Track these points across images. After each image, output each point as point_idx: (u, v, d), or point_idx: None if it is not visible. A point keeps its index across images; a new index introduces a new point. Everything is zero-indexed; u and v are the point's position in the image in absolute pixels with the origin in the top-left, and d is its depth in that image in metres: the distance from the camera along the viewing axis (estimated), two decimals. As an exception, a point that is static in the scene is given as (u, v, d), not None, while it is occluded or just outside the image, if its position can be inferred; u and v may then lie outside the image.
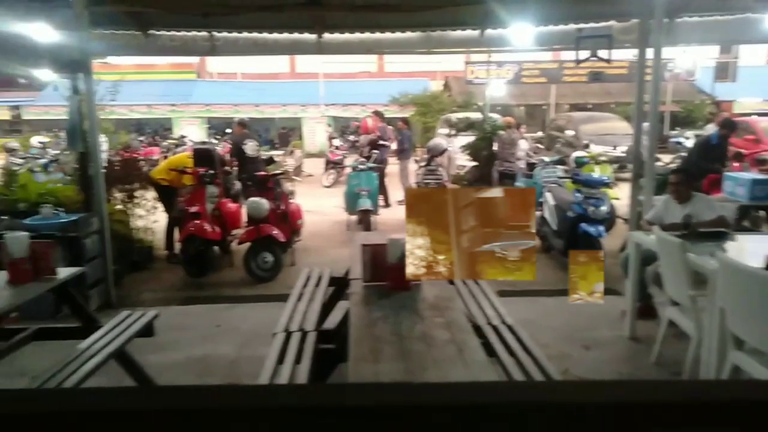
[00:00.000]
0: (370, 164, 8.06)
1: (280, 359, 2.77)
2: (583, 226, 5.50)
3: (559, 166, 8.01)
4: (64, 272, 3.24)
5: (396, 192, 10.17)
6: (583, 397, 0.65)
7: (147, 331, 3.32)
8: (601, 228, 5.48)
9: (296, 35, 5.44)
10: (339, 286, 4.26)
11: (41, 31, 4.07)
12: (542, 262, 6.43)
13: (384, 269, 2.87)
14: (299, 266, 6.31)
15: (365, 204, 7.61)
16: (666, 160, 8.47)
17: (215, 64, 26.66)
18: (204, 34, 5.43)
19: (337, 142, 14.28)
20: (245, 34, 5.46)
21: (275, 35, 5.45)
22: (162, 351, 3.86)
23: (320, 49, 5.46)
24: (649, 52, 4.58)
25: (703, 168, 6.40)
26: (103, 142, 6.81)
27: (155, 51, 5.98)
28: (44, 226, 4.46)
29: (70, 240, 4.46)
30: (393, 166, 10.96)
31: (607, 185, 5.97)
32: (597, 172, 7.64)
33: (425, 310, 2.52)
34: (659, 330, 3.64)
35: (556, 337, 4.01)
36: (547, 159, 8.14)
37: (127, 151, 6.86)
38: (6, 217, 4.84)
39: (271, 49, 5.61)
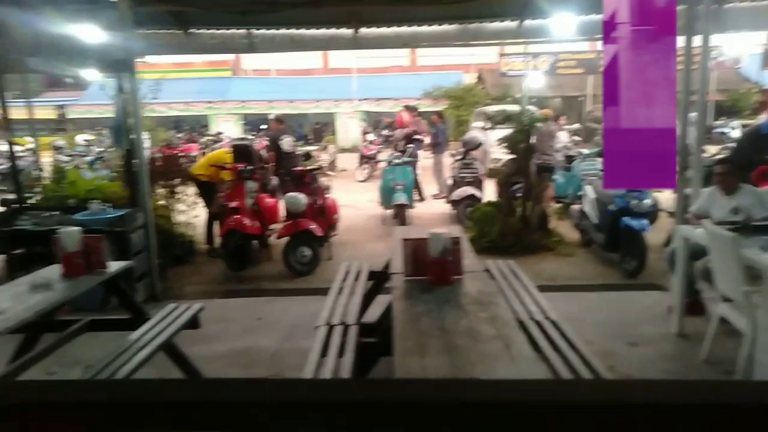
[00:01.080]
0: (405, 158, 8.03)
1: (323, 352, 2.80)
2: (626, 219, 5.36)
3: (598, 159, 7.82)
4: (113, 266, 3.35)
5: (430, 186, 10.14)
6: (635, 397, 0.63)
7: (193, 323, 3.40)
8: (645, 222, 5.34)
9: (332, 31, 5.46)
10: (378, 280, 4.27)
11: (89, 32, 4.20)
12: (582, 257, 6.33)
13: (426, 263, 2.86)
14: (336, 260, 6.36)
15: (401, 198, 7.61)
16: (712, 151, 8.17)
17: (250, 61, 26.99)
18: (242, 31, 5.51)
19: (370, 136, 14.30)
20: (282, 31, 5.51)
21: (312, 31, 5.48)
22: (206, 343, 3.95)
23: (356, 44, 5.47)
24: (696, 40, 4.41)
25: (752, 159, 6.14)
26: (146, 140, 7.00)
27: (195, 49, 6.10)
28: (93, 221, 4.61)
29: (117, 234, 4.60)
30: (426, 160, 10.93)
31: (650, 178, 5.79)
32: (639, 165, 7.44)
33: (469, 305, 2.51)
34: (709, 327, 3.52)
35: (599, 333, 3.92)
36: (586, 151, 7.97)
37: (169, 148, 7.01)
38: (57, 213, 5.04)
39: (308, 45, 5.65)
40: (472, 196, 7.67)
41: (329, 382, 1.20)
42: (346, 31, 5.44)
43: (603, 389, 0.70)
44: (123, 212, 4.81)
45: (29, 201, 5.47)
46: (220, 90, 24.07)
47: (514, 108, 6.74)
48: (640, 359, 3.62)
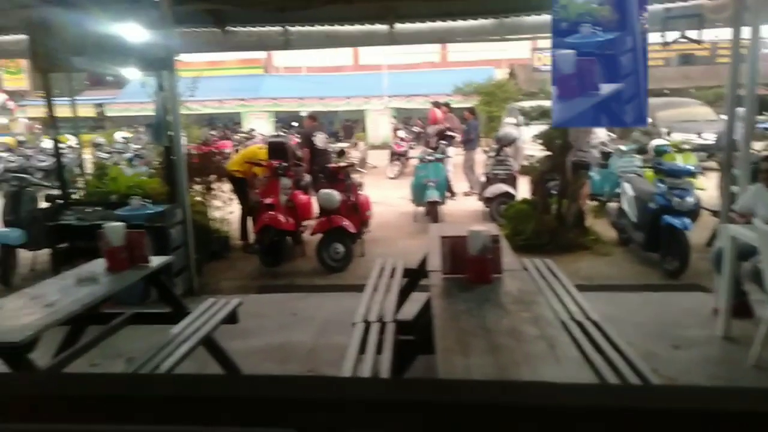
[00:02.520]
0: (438, 155, 7.98)
1: (361, 349, 2.80)
2: (667, 218, 5.21)
3: (636, 155, 7.64)
4: (155, 261, 3.41)
5: (461, 183, 10.05)
6: (686, 403, 0.60)
7: (231, 318, 3.44)
8: (687, 220, 5.17)
9: (368, 26, 5.45)
10: (413, 277, 4.26)
11: (131, 31, 4.29)
12: (620, 256, 6.18)
13: (464, 261, 2.83)
14: (369, 257, 6.37)
15: (433, 195, 7.57)
16: (757, 147, 7.88)
17: (281, 58, 27.25)
18: (278, 28, 5.55)
19: (401, 133, 14.26)
20: (318, 27, 5.53)
21: (347, 27, 5.48)
22: (243, 338, 4.00)
23: (392, 39, 5.44)
24: (745, 31, 4.25)
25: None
26: (182, 137, 7.13)
27: (232, 47, 6.17)
28: (133, 216, 4.71)
29: (156, 230, 4.69)
30: (458, 156, 10.83)
31: (693, 175, 5.62)
32: (680, 161, 7.22)
33: (510, 304, 2.47)
34: (758, 330, 3.39)
35: (640, 334, 3.82)
36: (624, 147, 7.77)
37: (205, 145, 7.13)
38: (99, 208, 5.18)
39: (343, 42, 5.66)
40: (506, 194, 7.58)
41: (390, 381, 1.19)
42: (381, 27, 5.42)
43: (654, 395, 0.68)
44: (162, 208, 4.90)
45: (72, 197, 5.63)
46: (253, 88, 24.38)
47: (550, 103, 6.59)
48: (684, 362, 3.51)
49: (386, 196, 10.13)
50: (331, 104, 23.60)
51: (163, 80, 4.71)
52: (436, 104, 12.14)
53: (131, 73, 5.20)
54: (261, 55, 25.60)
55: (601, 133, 8.95)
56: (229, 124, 22.76)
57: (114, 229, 3.22)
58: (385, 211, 8.85)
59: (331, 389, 0.67)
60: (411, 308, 3.90)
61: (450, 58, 27.13)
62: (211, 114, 23.64)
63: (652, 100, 16.11)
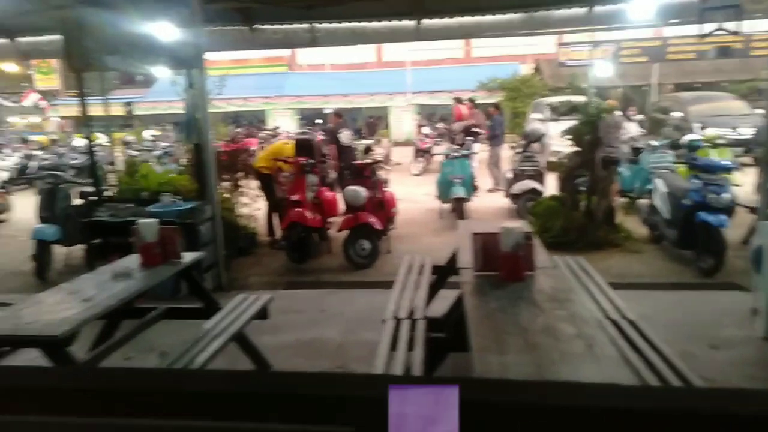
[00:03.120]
0: (464, 151, 7.92)
1: (392, 346, 2.79)
2: (702, 215, 5.08)
3: (668, 151, 7.46)
4: (187, 257, 3.46)
5: (485, 179, 9.96)
6: (732, 407, 0.57)
7: (262, 314, 3.47)
8: (723, 217, 5.03)
9: (395, 23, 5.42)
10: (441, 274, 4.24)
11: (162, 30, 4.34)
12: (651, 253, 6.05)
13: (496, 258, 2.80)
14: (394, 254, 6.36)
15: (459, 192, 7.52)
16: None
17: (305, 56, 27.38)
18: (305, 25, 5.56)
19: (426, 130, 14.20)
20: (344, 24, 5.52)
21: (374, 24, 5.46)
22: (273, 333, 4.03)
23: (419, 35, 5.40)
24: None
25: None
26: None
27: (260, 45, 6.21)
28: (164, 213, 4.78)
29: (187, 226, 4.74)
30: (482, 153, 10.73)
31: (729, 170, 5.46)
32: (714, 156, 7.04)
33: (544, 302, 2.43)
34: (801, 331, 3.28)
35: (676, 334, 3.72)
36: (655, 143, 7.60)
37: (233, 142, 7.20)
38: (131, 205, 5.27)
39: (370, 38, 5.64)
40: (533, 190, 7.48)
41: (443, 379, 1.17)
42: (408, 23, 5.39)
43: (699, 398, 0.65)
44: (192, 205, 4.97)
45: (105, 194, 5.74)
46: (277, 85, 24.56)
47: (579, 98, 6.48)
48: (723, 363, 3.41)
49: (411, 192, 10.10)
50: (355, 101, 23.63)
51: (192, 78, 4.76)
52: (458, 100, 12.05)
53: (161, 72, 5.26)
54: (285, 52, 25.74)
55: (632, 128, 8.78)
56: (254, 121, 22.96)
57: (148, 225, 3.27)
58: (410, 207, 8.82)
59: (384, 387, 0.66)
60: (439, 305, 3.89)
61: (474, 53, 26.90)
62: (237, 112, 23.88)
63: (684, 95, 15.84)
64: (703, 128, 9.22)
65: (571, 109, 6.17)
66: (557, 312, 2.31)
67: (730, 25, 4.66)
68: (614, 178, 6.58)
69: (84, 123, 5.67)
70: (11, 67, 23.07)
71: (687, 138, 7.39)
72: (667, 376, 2.27)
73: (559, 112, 6.30)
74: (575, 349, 1.95)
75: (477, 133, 8.45)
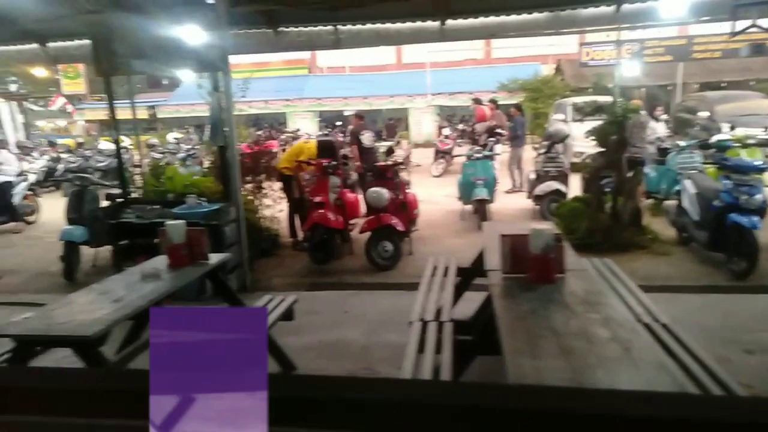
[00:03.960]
0: (486, 152, 7.86)
1: (420, 348, 2.77)
2: (734, 216, 4.95)
3: (696, 151, 7.30)
4: (214, 258, 3.48)
5: (504, 181, 9.86)
6: None
7: (288, 315, 3.47)
8: (756, 219, 4.90)
9: (419, 23, 5.39)
10: (465, 276, 4.20)
11: (189, 33, 4.39)
12: (680, 256, 5.93)
13: (526, 260, 2.76)
14: (417, 256, 6.33)
15: (481, 193, 7.46)
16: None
17: (325, 59, 27.52)
18: (329, 27, 5.57)
19: (446, 131, 14.14)
20: (368, 26, 5.52)
21: (398, 25, 5.44)
22: (297, 334, 4.03)
23: (443, 36, 5.36)
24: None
25: None
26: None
27: (283, 47, 6.24)
28: (190, 214, 4.82)
29: (212, 228, 4.78)
30: (502, 154, 10.62)
31: (762, 171, 5.32)
32: (744, 157, 6.87)
33: (577, 305, 2.38)
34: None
35: (709, 338, 3.63)
36: (683, 143, 7.45)
37: (257, 144, 7.26)
38: (157, 207, 5.33)
39: (394, 39, 5.62)
40: (557, 191, 7.39)
41: (464, 385, 1.15)
42: (432, 24, 5.35)
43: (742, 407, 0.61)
44: (217, 206, 5.01)
45: (131, 195, 5.82)
46: (297, 88, 24.71)
47: (605, 98, 6.38)
48: (760, 369, 3.32)
49: (432, 194, 10.06)
50: (375, 103, 23.66)
51: (218, 81, 4.80)
52: (477, 101, 11.97)
53: (187, 75, 5.32)
54: (305, 55, 25.90)
55: (658, 129, 8.62)
56: (275, 124, 23.14)
57: (175, 227, 3.30)
58: (432, 209, 8.78)
59: (409, 392, 0.64)
60: (464, 307, 3.85)
61: (494, 54, 26.74)
62: (257, 114, 24.10)
63: (710, 94, 15.52)
64: (732, 128, 8.99)
65: (596, 110, 6.08)
66: (590, 315, 2.26)
67: (765, 22, 4.53)
68: (641, 179, 6.46)
69: (111, 126, 5.76)
70: (40, 72, 23.61)
71: (716, 138, 7.23)
72: (706, 382, 2.21)
73: (584, 112, 6.19)
74: (611, 354, 1.91)
75: (500, 134, 8.37)
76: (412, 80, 23.87)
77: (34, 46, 6.02)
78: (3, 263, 6.86)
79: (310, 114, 24.43)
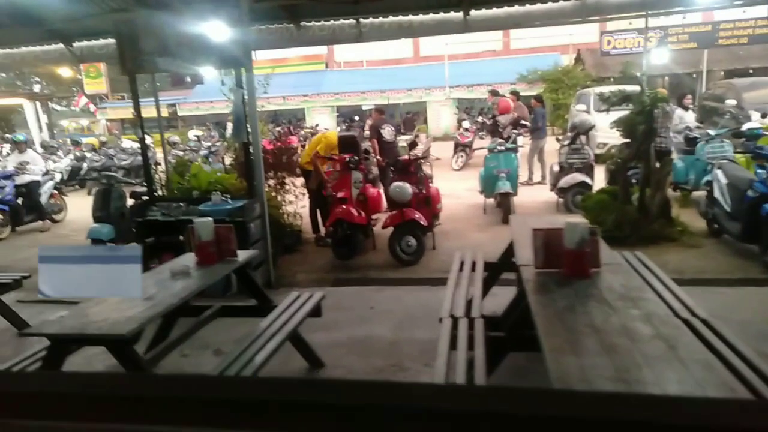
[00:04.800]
0: (509, 145, 7.76)
1: (452, 345, 2.73)
2: (768, 207, 4.81)
3: (726, 140, 7.13)
4: (242, 254, 3.48)
5: (522, 172, 9.70)
6: None
7: (316, 311, 3.46)
8: (792, 209, 4.75)
9: (441, 15, 5.31)
10: (492, 271, 4.14)
11: (212, 30, 4.39)
12: (711, 248, 5.78)
13: (560, 255, 2.70)
14: (440, 250, 6.29)
15: (504, 186, 7.37)
16: None
17: (342, 53, 27.48)
18: (351, 21, 5.52)
19: (466, 124, 14.02)
20: (390, 18, 5.46)
21: (420, 17, 5.37)
22: (325, 330, 4.02)
23: (467, 27, 5.27)
24: None
25: None
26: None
27: (306, 42, 6.21)
28: (215, 211, 4.83)
29: (237, 224, 4.79)
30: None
31: (798, 160, 5.16)
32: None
33: (615, 301, 2.32)
34: None
35: (747, 333, 3.51)
36: (712, 132, 7.26)
37: (278, 140, 7.26)
38: (182, 204, 5.36)
39: (416, 31, 5.54)
40: (582, 183, 7.27)
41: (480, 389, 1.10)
42: (455, 15, 5.27)
43: None
44: (242, 203, 5.01)
45: (156, 193, 5.86)
46: (315, 83, 24.74)
47: (632, 88, 6.23)
48: (802, 365, 3.20)
49: (453, 188, 9.98)
50: (393, 97, 23.56)
51: (241, 77, 4.80)
52: (494, 93, 11.83)
53: (209, 72, 5.32)
54: (322, 50, 25.91)
55: (687, 118, 8.41)
56: (293, 120, 23.21)
57: (204, 224, 3.30)
58: (453, 203, 8.71)
59: (444, 398, 0.60)
60: (492, 302, 3.80)
61: (512, 45, 26.44)
62: (276, 110, 24.18)
63: (738, 81, 15.12)
64: (763, 116, 8.74)
65: (623, 99, 5.94)
66: (631, 311, 2.20)
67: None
68: (670, 170, 6.32)
69: (136, 124, 5.81)
70: (64, 72, 24.00)
71: (747, 126, 7.03)
72: (752, 379, 2.14)
73: (610, 102, 6.05)
74: (656, 352, 1.84)
75: (524, 126, 8.25)
76: (430, 73, 23.74)
77: (60, 46, 6.10)
78: (32, 261, 6.96)
79: (328, 109, 24.45)
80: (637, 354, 1.83)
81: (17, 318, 4.62)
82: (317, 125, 18.06)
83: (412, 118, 23.09)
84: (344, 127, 15.24)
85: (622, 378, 1.68)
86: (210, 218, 3.37)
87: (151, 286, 2.99)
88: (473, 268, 3.93)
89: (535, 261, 2.78)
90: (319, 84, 24.79)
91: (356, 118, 21.27)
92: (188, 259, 3.43)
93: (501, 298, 4.01)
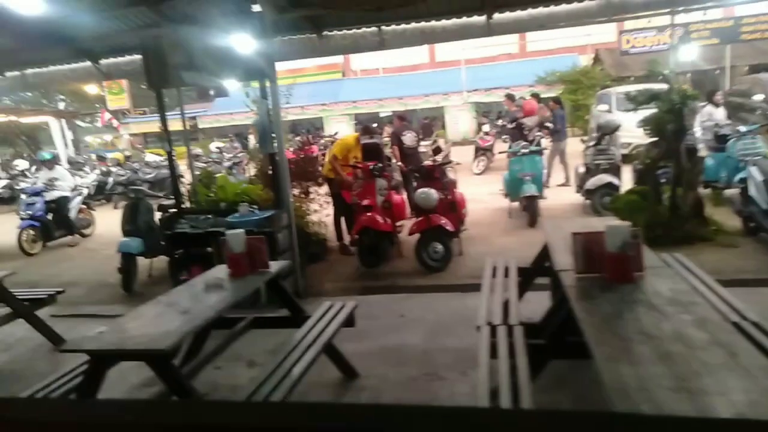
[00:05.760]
0: (534, 147, 7.66)
1: (492, 353, 2.67)
2: (809, 203, 4.65)
3: (759, 136, 6.95)
4: (274, 265, 3.46)
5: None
6: None
7: (350, 321, 3.43)
8: (835, 205, 4.59)
9: (464, 19, 5.27)
10: (526, 276, 4.07)
11: (238, 43, 4.42)
12: (749, 247, 5.62)
13: (601, 259, 2.63)
14: (467, 256, 6.22)
15: (530, 190, 7.27)
16: None
17: (358, 61, 27.61)
18: (373, 29, 5.52)
19: (486, 127, 13.93)
20: (413, 25, 5.44)
21: (443, 22, 5.34)
22: (357, 339, 3.98)
23: (490, 30, 5.22)
24: None
25: None
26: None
27: (329, 51, 6.22)
28: (243, 223, 4.84)
29: (265, 235, 4.79)
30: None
31: (838, 154, 4.99)
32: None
33: (665, 306, 2.24)
34: None
35: (796, 335, 3.39)
36: (743, 128, 7.08)
37: (302, 149, 7.28)
38: (210, 216, 5.39)
39: (439, 37, 5.50)
40: (609, 185, 7.14)
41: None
42: (478, 18, 5.22)
43: None
44: (270, 213, 5.01)
45: (183, 205, 5.90)
46: (332, 92, 24.90)
47: (659, 86, 6.11)
48: None
49: (475, 192, 9.89)
50: (410, 103, 23.59)
51: (266, 89, 4.82)
52: (510, 97, 11.74)
53: (232, 84, 5.36)
54: (338, 59, 26.06)
55: (718, 115, 8.23)
56: (311, 129, 23.34)
57: (236, 236, 3.30)
58: (477, 207, 8.63)
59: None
60: (526, 308, 3.72)
61: (529, 48, 26.31)
62: (294, 120, 24.35)
63: (763, 76, 14.77)
64: (796, 111, 8.52)
65: (650, 98, 5.82)
66: (682, 316, 2.12)
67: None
68: (701, 168, 6.17)
69: (161, 138, 5.87)
70: (91, 89, 24.52)
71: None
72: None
73: (637, 101, 5.94)
74: (716, 359, 1.77)
75: (548, 128, 8.15)
76: (447, 78, 23.71)
77: (87, 63, 6.21)
78: (64, 276, 7.08)
79: (345, 117, 24.55)
80: (695, 362, 1.75)
81: (52, 333, 4.67)
82: (336, 133, 18.11)
83: (430, 123, 23.03)
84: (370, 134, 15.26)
85: (684, 387, 1.61)
86: (242, 230, 3.36)
87: (186, 299, 2.99)
88: (506, 274, 3.86)
89: (575, 266, 2.71)
90: (336, 93, 24.94)
91: (374, 125, 21.29)
92: (221, 271, 3.43)
93: (534, 303, 3.93)
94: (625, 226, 2.58)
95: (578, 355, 2.98)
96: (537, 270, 4.01)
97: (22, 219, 8.47)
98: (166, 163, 14.26)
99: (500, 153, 12.45)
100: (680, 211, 5.96)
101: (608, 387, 1.67)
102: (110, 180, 13.30)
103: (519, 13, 5.08)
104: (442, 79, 23.85)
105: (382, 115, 23.74)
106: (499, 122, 15.27)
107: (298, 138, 17.98)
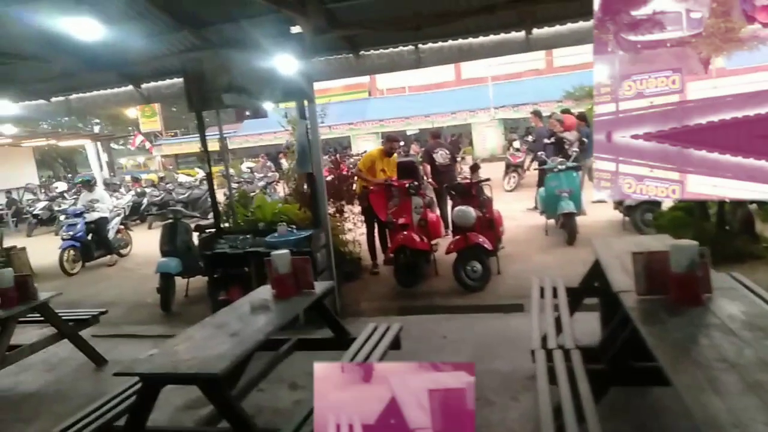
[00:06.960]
0: (571, 163, 7.52)
1: (551, 379, 2.56)
2: None
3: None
4: (319, 286, 3.42)
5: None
6: None
7: (396, 343, 3.35)
8: None
9: (502, 36, 5.23)
10: (574, 296, 3.93)
11: (278, 64, 4.45)
12: (804, 262, 5.36)
13: (664, 280, 2.51)
14: (505, 275, 6.08)
15: (568, 207, 7.12)
16: None
17: (384, 81, 27.82)
18: (410, 47, 5.52)
19: (516, 144, 13.83)
20: (450, 42, 5.42)
21: (480, 39, 5.31)
22: (399, 361, 3.88)
23: (529, 46, 5.17)
24: None
25: None
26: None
27: (365, 71, 6.24)
28: (282, 243, 4.83)
29: (304, 255, 4.77)
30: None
31: None
32: None
33: (742, 330, 2.11)
34: None
35: None
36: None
37: (336, 169, 7.30)
38: (248, 236, 5.40)
39: (477, 54, 5.47)
40: (650, 200, 6.92)
41: None
42: (517, 35, 5.17)
43: None
44: (308, 233, 4.99)
45: (222, 225, 5.93)
46: (359, 111, 25.11)
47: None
48: None
49: (507, 209, 9.72)
50: (437, 120, 23.60)
51: (304, 109, 4.83)
52: (537, 113, 11.61)
53: (269, 105, 5.40)
54: (365, 79, 26.30)
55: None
56: (339, 148, 23.54)
57: (281, 256, 3.27)
58: (512, 225, 8.48)
59: None
60: (580, 330, 3.59)
61: (556, 63, 26.13)
62: (322, 140, 24.64)
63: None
64: None
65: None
66: (765, 342, 1.99)
67: None
68: (750, 183, 5.93)
69: (197, 159, 5.94)
70: (126, 113, 25.26)
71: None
72: None
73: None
74: (814, 389, 1.64)
75: (584, 143, 8.00)
76: (473, 95, 23.71)
77: (129, 87, 6.35)
78: (103, 295, 7.18)
79: (372, 136, 24.69)
80: (791, 392, 1.63)
81: (95, 353, 4.70)
82: (365, 152, 18.23)
83: (457, 140, 22.99)
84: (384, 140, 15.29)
85: (783, 421, 1.49)
86: (287, 250, 3.33)
87: (234, 321, 2.96)
88: (554, 294, 3.74)
89: (637, 287, 2.60)
90: (363, 112, 25.15)
91: (401, 143, 21.35)
92: (265, 292, 3.40)
93: (582, 323, 3.79)
94: (691, 245, 2.46)
95: (643, 382, 2.86)
96: (586, 290, 3.88)
97: (63, 239, 8.66)
98: (198, 183, 14.54)
99: (535, 169, 12.31)
100: (729, 228, 5.74)
101: (698, 420, 1.56)
102: (145, 201, 13.56)
103: (558, 28, 5.01)
104: (469, 96, 23.84)
105: (409, 133, 23.79)
106: (529, 138, 15.12)
107: (325, 157, 18.16)
